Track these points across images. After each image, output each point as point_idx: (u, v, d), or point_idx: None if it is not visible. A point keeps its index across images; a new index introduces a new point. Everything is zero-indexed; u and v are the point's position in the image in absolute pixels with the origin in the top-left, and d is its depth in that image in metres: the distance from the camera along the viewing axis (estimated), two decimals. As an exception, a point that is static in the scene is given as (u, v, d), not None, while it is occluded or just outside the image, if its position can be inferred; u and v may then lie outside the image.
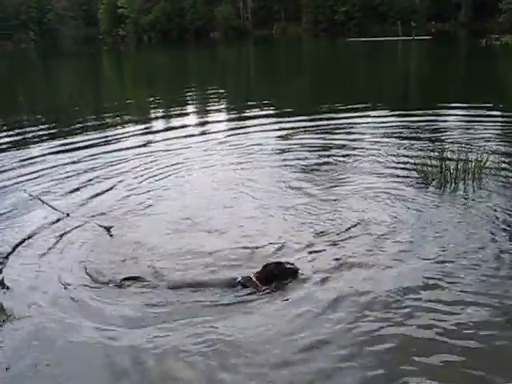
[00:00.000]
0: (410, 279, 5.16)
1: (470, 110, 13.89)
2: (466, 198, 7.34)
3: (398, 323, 4.47)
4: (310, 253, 5.85)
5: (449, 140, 10.42)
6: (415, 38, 45.81)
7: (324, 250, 5.90)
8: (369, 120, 13.47)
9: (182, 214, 7.33)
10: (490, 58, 31.71)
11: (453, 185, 7.85)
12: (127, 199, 8.11)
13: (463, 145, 9.70)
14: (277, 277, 5.09)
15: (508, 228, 6.21)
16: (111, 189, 8.67)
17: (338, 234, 6.31)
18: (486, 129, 11.47)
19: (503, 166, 8.51)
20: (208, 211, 7.40)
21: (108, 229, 6.75)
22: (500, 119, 12.71)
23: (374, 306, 4.73)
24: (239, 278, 5.10)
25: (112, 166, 10.10)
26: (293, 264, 5.30)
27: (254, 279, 5.08)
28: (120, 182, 9.04)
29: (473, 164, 8.07)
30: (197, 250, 6.10)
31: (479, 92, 17.56)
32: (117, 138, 13.03)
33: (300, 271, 5.25)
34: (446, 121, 12.86)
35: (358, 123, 13.04)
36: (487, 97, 15.69)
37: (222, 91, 21.89)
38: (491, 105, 14.31)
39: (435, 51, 39.40)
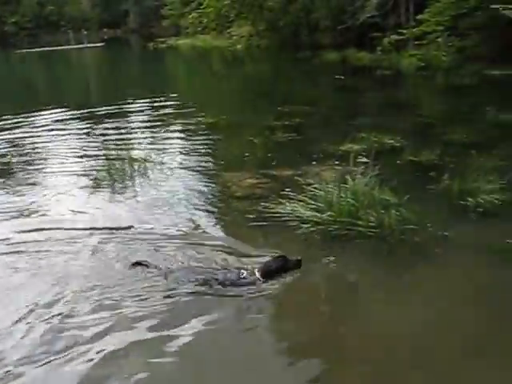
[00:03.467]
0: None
1: (148, 104, 14.66)
2: (134, 193, 7.42)
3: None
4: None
5: (126, 137, 10.69)
6: (88, 45, 46.07)
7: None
8: (47, 121, 13.14)
9: None
10: (156, 59, 33.62)
11: (122, 182, 7.85)
12: None
13: (131, 142, 10.05)
14: (279, 270, 4.88)
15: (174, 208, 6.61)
16: None
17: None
18: (155, 123, 12.14)
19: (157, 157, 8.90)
20: None
21: None
22: (169, 112, 13.57)
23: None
24: (244, 274, 4.84)
25: None
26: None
27: (257, 274, 4.85)
28: None
29: (138, 160, 8.35)
30: None
31: (148, 89, 18.48)
32: None
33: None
34: (121, 117, 13.15)
35: (38, 125, 12.61)
36: (160, 92, 16.54)
37: None
38: (165, 98, 15.22)
39: (108, 56, 40.24)
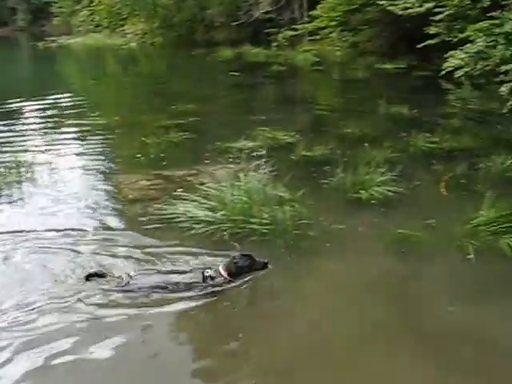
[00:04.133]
0: None
1: (38, 104, 13.77)
2: (21, 196, 6.94)
3: None
4: None
5: (13, 139, 9.95)
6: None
7: None
8: None
9: None
10: (47, 58, 32.21)
11: (8, 186, 7.29)
12: None
13: (19, 144, 9.42)
14: (245, 269, 4.69)
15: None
16: None
17: None
18: (45, 124, 11.52)
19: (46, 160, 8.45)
20: None
21: None
22: (60, 112, 12.94)
23: None
24: (208, 272, 4.60)
25: None
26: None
27: (222, 272, 4.61)
28: None
29: (26, 162, 7.94)
30: None
31: (38, 89, 17.62)
32: None
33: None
34: (8, 119, 12.11)
35: None
36: (51, 92, 15.58)
37: None
38: (56, 99, 14.40)
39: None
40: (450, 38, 13.19)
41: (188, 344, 4.03)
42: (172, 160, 7.93)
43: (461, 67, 10.75)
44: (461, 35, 10.96)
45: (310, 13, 23.07)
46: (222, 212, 5.59)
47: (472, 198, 6.29)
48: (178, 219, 5.69)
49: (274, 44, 24.09)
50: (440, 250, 5.21)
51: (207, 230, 5.41)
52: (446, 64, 11.53)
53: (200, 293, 4.47)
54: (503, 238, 5.24)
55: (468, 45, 9.27)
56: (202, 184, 6.35)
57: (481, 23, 9.30)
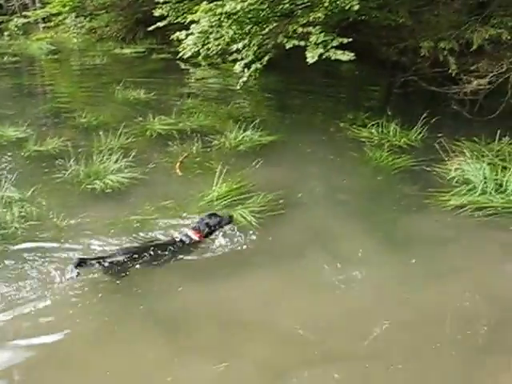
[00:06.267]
0: None
1: None
2: None
3: None
4: None
5: None
6: None
7: None
8: None
9: None
10: None
11: None
12: None
13: None
14: (214, 227, 5.01)
15: None
16: None
17: None
18: None
19: None
20: None
21: None
22: None
23: None
24: (179, 237, 4.89)
25: None
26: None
27: (191, 235, 4.90)
28: None
29: None
30: None
31: None
32: None
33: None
34: None
35: None
36: None
37: None
38: None
39: None
40: (183, 20, 13.43)
41: None
42: None
43: (192, 48, 11.05)
44: (190, 16, 11.23)
45: (41, -2, 21.87)
46: None
47: (206, 175, 6.65)
48: None
49: (6, 33, 22.41)
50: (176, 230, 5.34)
51: None
52: (182, 46, 11.79)
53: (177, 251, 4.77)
54: (235, 210, 5.64)
55: (193, 25, 9.54)
56: None
57: (209, 4, 9.62)
